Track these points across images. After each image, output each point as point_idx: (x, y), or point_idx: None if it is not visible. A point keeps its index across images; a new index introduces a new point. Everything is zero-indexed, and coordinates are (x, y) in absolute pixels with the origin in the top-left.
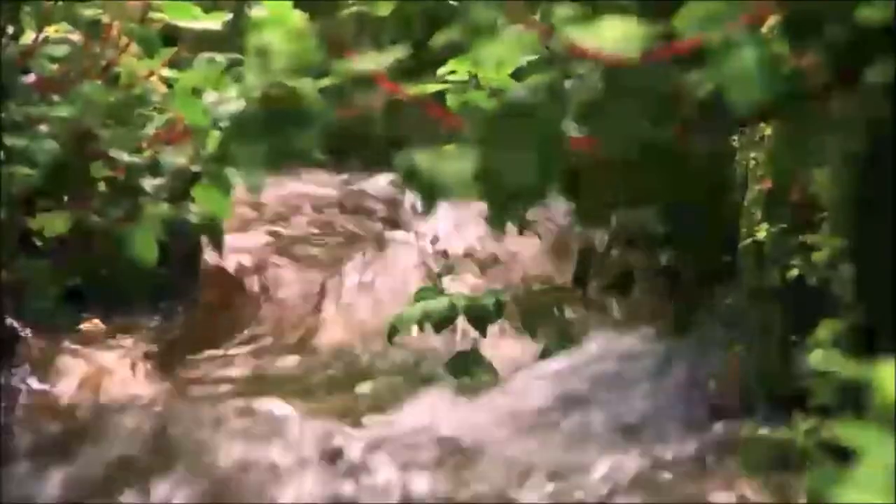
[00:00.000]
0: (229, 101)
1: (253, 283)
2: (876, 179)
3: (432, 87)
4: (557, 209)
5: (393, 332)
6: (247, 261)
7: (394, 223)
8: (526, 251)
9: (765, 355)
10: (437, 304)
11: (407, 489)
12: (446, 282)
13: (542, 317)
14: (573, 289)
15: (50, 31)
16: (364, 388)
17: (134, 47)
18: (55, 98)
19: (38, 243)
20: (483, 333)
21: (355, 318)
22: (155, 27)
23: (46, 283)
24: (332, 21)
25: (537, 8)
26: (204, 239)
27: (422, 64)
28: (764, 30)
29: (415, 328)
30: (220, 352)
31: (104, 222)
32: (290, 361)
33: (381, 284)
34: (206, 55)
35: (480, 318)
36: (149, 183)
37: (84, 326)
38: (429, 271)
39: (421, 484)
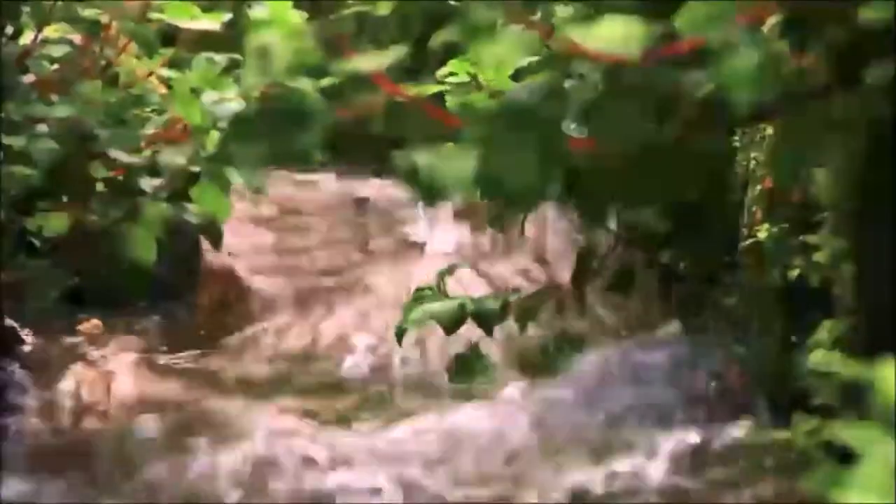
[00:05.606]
0: (228, 101)
1: (250, 284)
2: (876, 180)
3: (432, 88)
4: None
5: (401, 333)
6: (245, 261)
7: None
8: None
9: (765, 356)
10: (445, 306)
11: None
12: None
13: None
14: (571, 290)
15: (49, 30)
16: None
17: (133, 47)
18: (54, 98)
19: (37, 243)
20: (489, 334)
21: (349, 320)
22: (154, 27)
23: (45, 283)
24: (331, 21)
25: (537, 8)
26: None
27: (421, 64)
28: (765, 29)
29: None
30: (215, 353)
31: (103, 222)
32: (283, 364)
33: (375, 284)
34: (205, 55)
35: (486, 318)
36: (148, 183)
37: (83, 326)
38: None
39: None
